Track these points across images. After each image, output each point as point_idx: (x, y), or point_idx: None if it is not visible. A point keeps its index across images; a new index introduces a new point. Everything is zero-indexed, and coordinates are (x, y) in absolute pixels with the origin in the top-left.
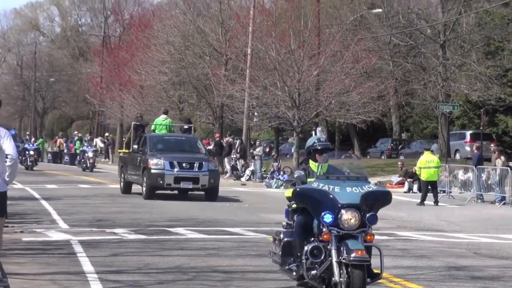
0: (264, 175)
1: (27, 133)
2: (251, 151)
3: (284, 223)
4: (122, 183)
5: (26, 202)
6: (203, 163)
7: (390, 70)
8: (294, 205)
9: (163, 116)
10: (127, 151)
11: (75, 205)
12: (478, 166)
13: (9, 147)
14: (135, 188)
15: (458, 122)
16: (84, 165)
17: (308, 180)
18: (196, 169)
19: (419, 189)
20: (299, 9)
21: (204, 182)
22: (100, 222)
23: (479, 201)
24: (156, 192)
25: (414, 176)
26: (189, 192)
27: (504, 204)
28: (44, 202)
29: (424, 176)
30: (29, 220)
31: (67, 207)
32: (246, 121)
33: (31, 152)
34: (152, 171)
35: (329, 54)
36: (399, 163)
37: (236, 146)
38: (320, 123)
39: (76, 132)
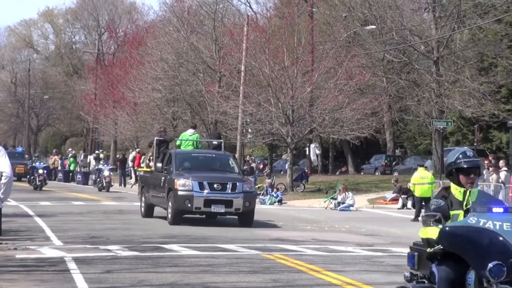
0: (258, 192)
1: (37, 150)
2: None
3: (407, 274)
4: (143, 206)
5: (19, 219)
6: (237, 183)
7: (383, 87)
8: (432, 249)
9: (190, 131)
10: (148, 169)
11: (68, 222)
12: None
13: (4, 165)
14: (158, 211)
15: (452, 138)
16: (100, 185)
17: (452, 212)
18: (229, 191)
19: (413, 205)
20: (293, 26)
21: (238, 206)
22: (94, 239)
23: None
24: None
25: (408, 192)
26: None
27: None
28: (37, 219)
29: (418, 192)
30: (23, 237)
31: (61, 224)
32: (240, 137)
33: (40, 171)
34: (179, 192)
35: (323, 70)
36: (393, 179)
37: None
38: (314, 139)
39: (70, 149)
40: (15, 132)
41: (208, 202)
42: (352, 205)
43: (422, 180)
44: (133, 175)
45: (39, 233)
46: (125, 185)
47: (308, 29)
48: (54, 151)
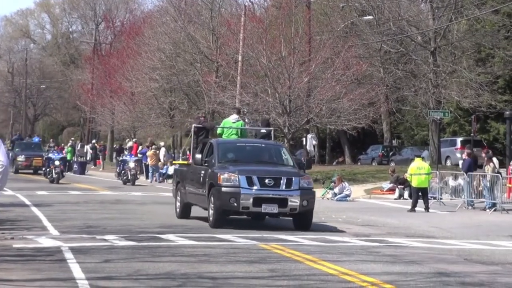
0: None
1: (51, 140)
2: None
3: None
4: (178, 205)
5: (16, 209)
6: (293, 178)
7: (381, 77)
8: None
9: (234, 117)
10: (185, 162)
11: (65, 212)
12: (469, 173)
13: (0, 154)
14: (196, 211)
15: (449, 129)
16: (124, 178)
17: None
18: (283, 187)
19: (410, 196)
20: (290, 16)
21: (294, 205)
22: (91, 229)
23: (470, 207)
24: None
25: (405, 183)
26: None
27: (494, 210)
28: (34, 209)
29: (414, 182)
30: (20, 226)
31: (58, 213)
32: None
33: (56, 163)
34: (224, 189)
35: (320, 61)
36: (390, 169)
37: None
38: (311, 130)
39: (73, 139)
40: (12, 122)
41: (258, 201)
42: (348, 196)
43: (419, 171)
44: None
45: (36, 222)
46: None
47: (305, 19)
48: (51, 140)
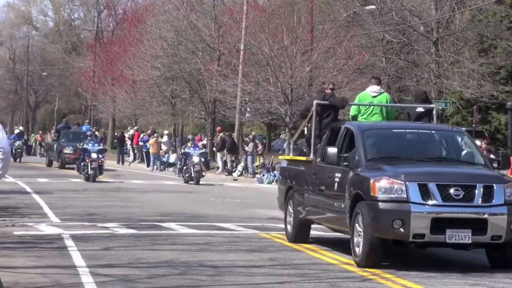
0: (256, 171)
1: (93, 129)
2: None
3: None
4: (290, 223)
5: (17, 196)
6: (494, 187)
7: (383, 67)
8: None
9: (373, 88)
10: (301, 158)
11: (66, 199)
12: None
13: (1, 140)
14: (319, 232)
15: (452, 120)
16: (186, 175)
17: None
18: (480, 201)
19: None
20: (292, 5)
21: (498, 230)
22: (92, 216)
23: None
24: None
25: None
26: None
27: None
28: (35, 196)
29: None
30: (21, 213)
31: (59, 201)
32: (239, 116)
33: (94, 155)
34: (381, 204)
35: (322, 50)
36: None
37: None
38: None
39: (75, 126)
40: (13, 109)
41: (439, 224)
42: None
43: None
44: (131, 153)
45: (36, 210)
46: (123, 163)
47: (307, 9)
48: (53, 127)
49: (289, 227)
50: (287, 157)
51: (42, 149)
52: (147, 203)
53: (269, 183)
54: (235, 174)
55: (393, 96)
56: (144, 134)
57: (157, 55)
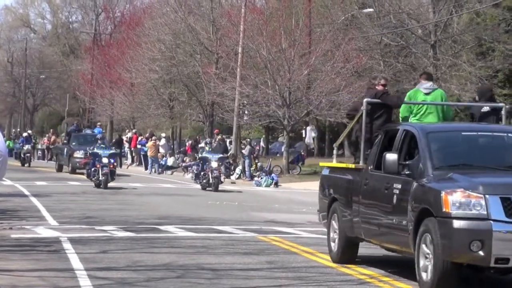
0: (254, 174)
1: (102, 131)
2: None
3: None
4: (335, 240)
5: (15, 199)
6: None
7: (380, 70)
8: None
9: (426, 85)
10: (348, 166)
11: (64, 202)
12: None
13: None
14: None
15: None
16: (204, 181)
17: None
18: None
19: None
20: (290, 8)
21: None
22: (89, 219)
23: None
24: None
25: None
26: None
27: None
28: (33, 199)
29: None
30: (18, 216)
31: (56, 204)
32: (237, 119)
33: (105, 160)
34: (456, 222)
35: (320, 53)
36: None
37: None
38: (310, 122)
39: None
40: (11, 112)
41: None
42: None
43: None
44: (129, 156)
45: (34, 213)
46: (121, 166)
47: (305, 12)
48: (51, 130)
49: (333, 245)
50: (330, 164)
51: (50, 153)
52: (145, 206)
53: (267, 186)
54: (232, 177)
55: None
56: (142, 137)
57: (155, 58)
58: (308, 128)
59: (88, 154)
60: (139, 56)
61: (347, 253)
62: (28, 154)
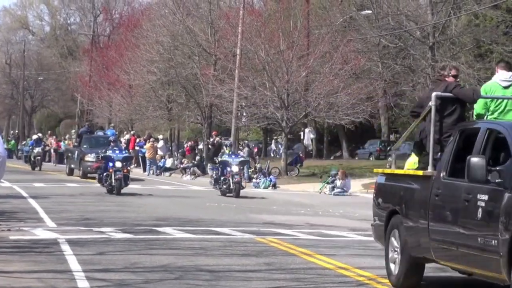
0: (252, 176)
1: (115, 133)
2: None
3: None
4: (395, 261)
5: (13, 200)
6: None
7: (379, 72)
8: None
9: (504, 76)
10: (412, 173)
11: (62, 204)
12: None
13: None
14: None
15: None
16: (224, 186)
17: None
18: None
19: None
20: (289, 10)
21: None
22: (87, 221)
23: None
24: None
25: None
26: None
27: None
28: (31, 201)
29: None
30: (16, 218)
31: (55, 205)
32: (235, 121)
33: (118, 164)
34: None
35: (318, 55)
36: (388, 164)
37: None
38: (309, 124)
39: (74, 131)
40: (9, 114)
41: None
42: (346, 190)
43: (416, 166)
44: None
45: (32, 214)
46: None
47: (304, 13)
48: (49, 132)
49: (393, 266)
50: (387, 171)
51: (59, 156)
52: (143, 207)
53: (265, 187)
54: None
55: (390, 101)
56: (140, 139)
57: (153, 60)
58: (307, 130)
59: (100, 157)
60: (137, 58)
61: (411, 276)
62: (39, 158)
